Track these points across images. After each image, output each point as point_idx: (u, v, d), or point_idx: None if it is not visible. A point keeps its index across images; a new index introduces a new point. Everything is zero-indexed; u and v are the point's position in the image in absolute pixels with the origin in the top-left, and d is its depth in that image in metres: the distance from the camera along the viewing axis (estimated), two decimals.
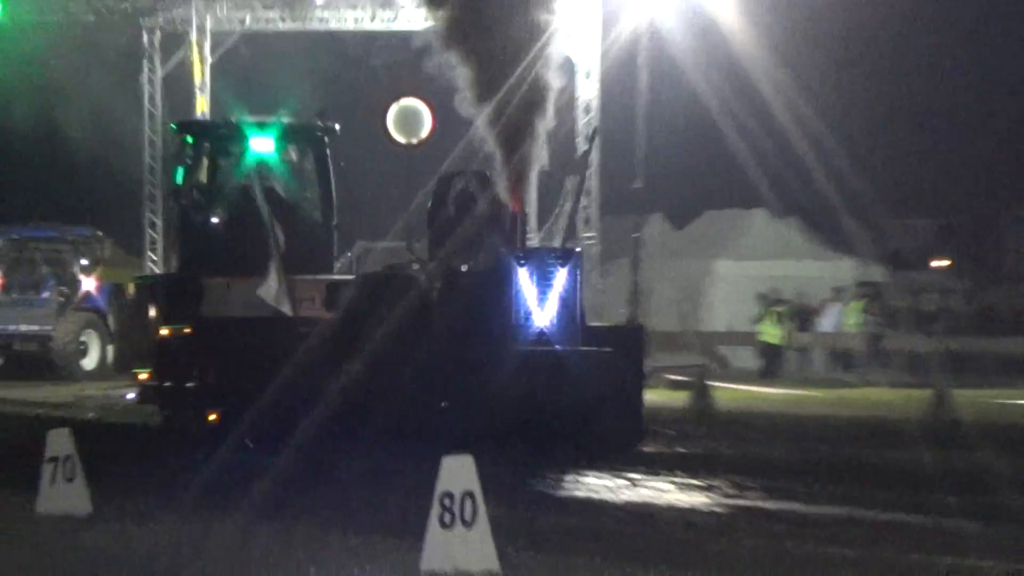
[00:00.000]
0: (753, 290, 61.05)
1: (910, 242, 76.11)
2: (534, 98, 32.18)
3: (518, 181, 32.06)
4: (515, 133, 32.20)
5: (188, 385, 34.62)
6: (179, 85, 53.40)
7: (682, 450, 31.33)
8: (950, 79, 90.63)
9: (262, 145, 36.73)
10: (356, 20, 52.39)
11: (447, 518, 15.85)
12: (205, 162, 37.27)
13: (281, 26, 53.60)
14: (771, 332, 59.34)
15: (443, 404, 30.29)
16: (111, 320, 57.40)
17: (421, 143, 37.71)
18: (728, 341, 65.98)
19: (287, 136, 37.38)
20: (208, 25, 52.33)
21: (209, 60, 52.76)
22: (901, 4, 77.25)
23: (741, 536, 20.63)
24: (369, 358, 30.64)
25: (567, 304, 30.74)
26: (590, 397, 30.17)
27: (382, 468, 26.63)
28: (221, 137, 37.65)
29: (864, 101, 79.00)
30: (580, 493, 25.38)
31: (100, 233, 59.58)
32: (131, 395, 40.13)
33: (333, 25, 53.06)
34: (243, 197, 36.41)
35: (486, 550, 16.00)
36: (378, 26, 52.37)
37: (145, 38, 53.58)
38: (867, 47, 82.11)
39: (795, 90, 55.31)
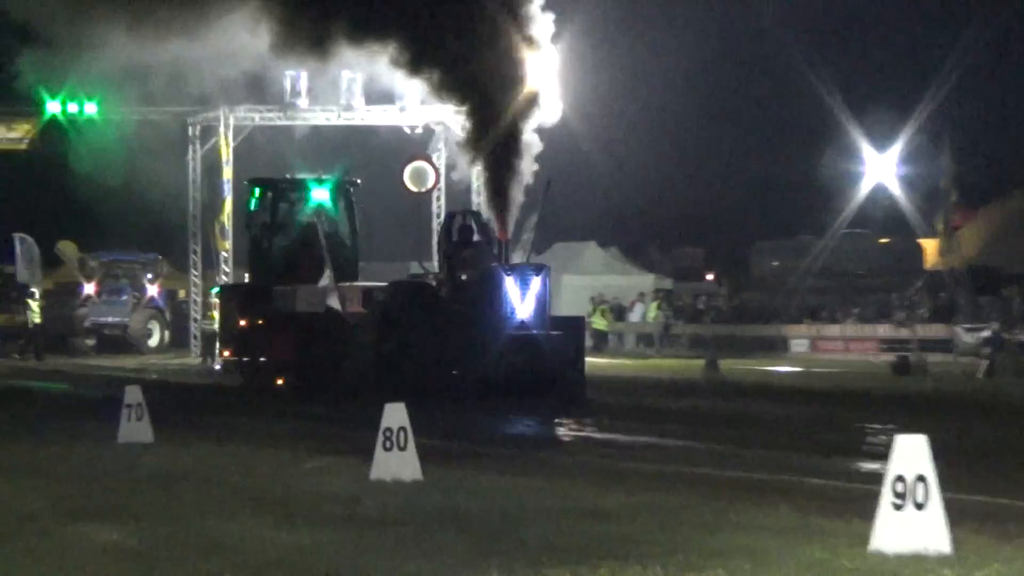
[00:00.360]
0: (587, 295, 62.08)
1: (689, 261, 77.95)
2: (513, 150, 32.70)
3: (503, 215, 32.77)
4: (499, 181, 33.04)
5: (261, 359, 35.54)
6: (212, 160, 54.04)
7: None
8: (715, 148, 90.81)
9: (319, 194, 37.29)
10: (327, 119, 52.57)
11: (388, 444, 16.04)
12: (269, 206, 37.48)
13: (278, 122, 53.31)
14: (599, 322, 60.20)
15: (454, 372, 30.69)
16: (167, 314, 61.17)
17: (428, 192, 37.70)
18: None
19: (333, 188, 37.51)
20: (231, 122, 52.90)
21: (232, 144, 53.04)
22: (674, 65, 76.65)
23: (576, 453, 20.98)
24: (400, 339, 31.40)
25: (540, 303, 31.08)
26: (555, 365, 30.81)
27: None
28: (282, 189, 38.00)
29: (653, 161, 78.48)
30: (506, 430, 26.32)
31: (160, 257, 63.29)
32: (217, 367, 41.32)
33: (314, 121, 53.04)
34: (295, 230, 36.93)
35: (414, 465, 15.97)
36: (343, 122, 52.45)
37: (190, 130, 54.37)
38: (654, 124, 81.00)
39: (621, 153, 55.56)
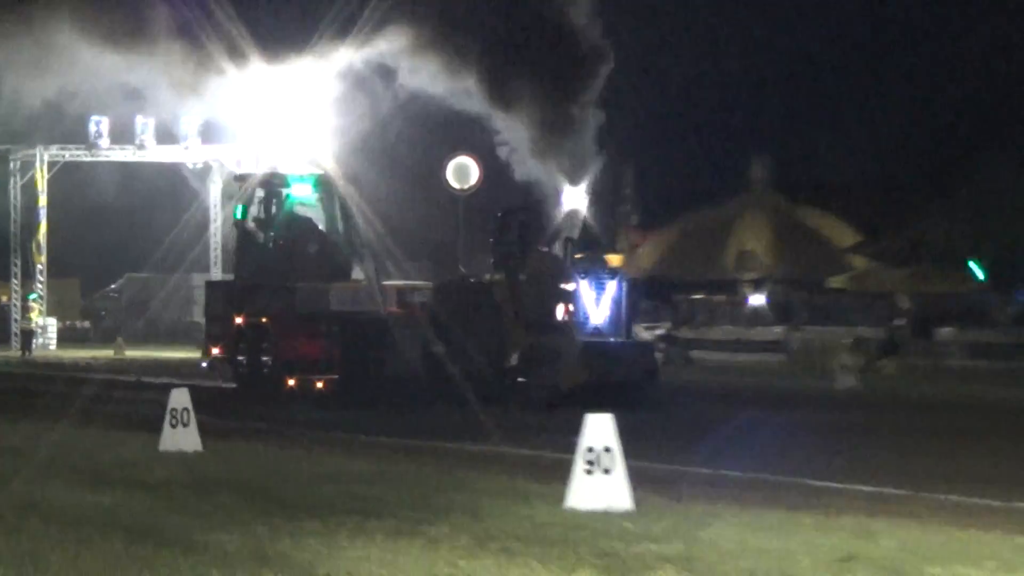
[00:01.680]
0: None
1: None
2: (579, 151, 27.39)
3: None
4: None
5: (264, 359, 29.02)
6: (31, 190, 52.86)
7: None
8: None
9: (302, 190, 30.88)
10: (124, 156, 51.63)
11: (173, 422, 15.47)
12: (261, 202, 31.07)
13: (85, 158, 52.63)
14: None
15: (520, 380, 24.76)
16: None
17: (470, 190, 29.97)
18: None
19: (319, 184, 30.88)
20: (46, 157, 52.08)
21: (46, 175, 51.88)
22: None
23: (332, 428, 20.55)
24: (450, 342, 25.55)
25: (616, 308, 25.38)
26: (633, 376, 24.85)
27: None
28: (271, 184, 30.95)
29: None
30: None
31: None
32: (204, 364, 33.13)
33: (114, 158, 52.18)
34: (287, 226, 30.60)
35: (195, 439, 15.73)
36: (137, 158, 52.00)
37: (11, 164, 52.87)
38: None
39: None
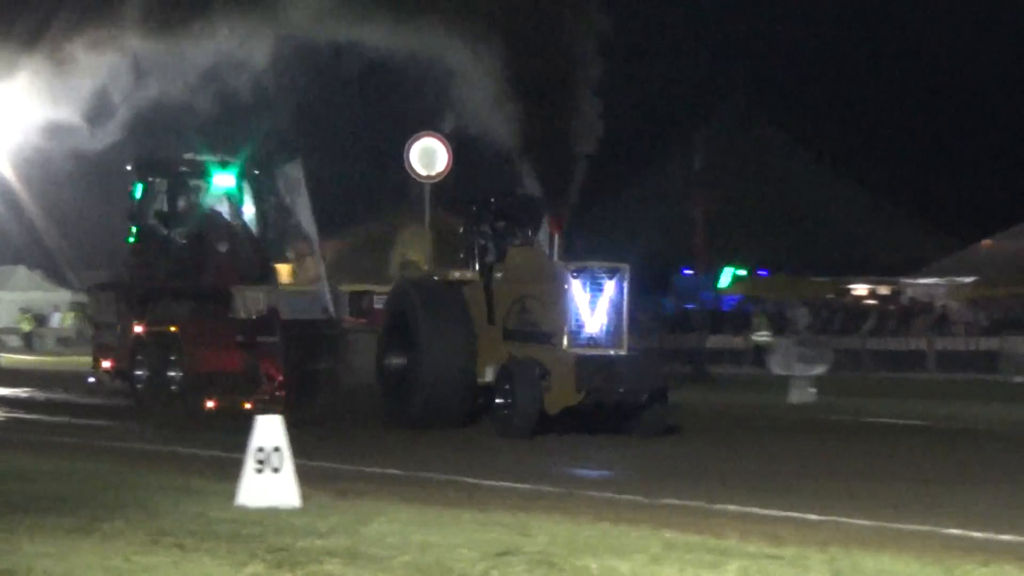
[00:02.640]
0: (17, 307, 63.58)
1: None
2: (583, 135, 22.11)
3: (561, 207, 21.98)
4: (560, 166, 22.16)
5: (171, 374, 24.78)
6: None
7: None
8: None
9: (223, 180, 26.62)
10: None
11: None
12: (165, 194, 26.65)
13: None
14: (26, 326, 61.63)
15: (498, 401, 20.00)
16: None
17: (436, 179, 25.11)
18: None
19: (240, 173, 26.72)
20: None
21: None
22: None
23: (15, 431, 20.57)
24: (410, 354, 21.10)
25: (616, 314, 20.24)
26: (636, 394, 19.92)
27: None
28: (178, 173, 26.77)
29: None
30: None
31: None
32: (92, 379, 28.33)
33: None
34: (195, 221, 26.40)
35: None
36: None
37: None
38: None
39: None
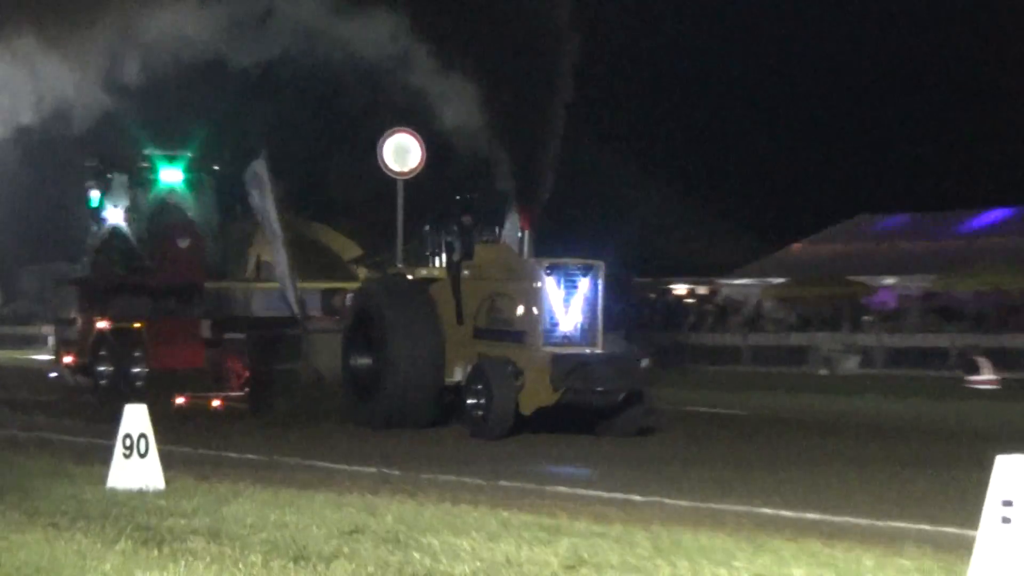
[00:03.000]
0: None
1: None
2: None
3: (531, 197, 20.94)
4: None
5: (136, 370, 24.85)
6: None
7: None
8: None
9: (171, 175, 26.37)
10: None
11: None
12: (124, 189, 26.39)
13: None
14: None
15: (471, 402, 19.21)
16: None
17: (411, 174, 23.95)
18: None
19: (187, 169, 26.57)
20: None
21: None
22: None
23: None
24: (376, 353, 20.42)
25: (591, 311, 19.42)
26: (613, 394, 19.19)
27: None
28: (135, 168, 26.58)
29: None
30: None
31: None
32: (54, 374, 27.88)
33: None
34: (148, 215, 26.25)
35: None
36: None
37: None
38: None
39: None
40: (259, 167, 23.30)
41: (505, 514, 11.15)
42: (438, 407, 20.13)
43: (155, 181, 26.09)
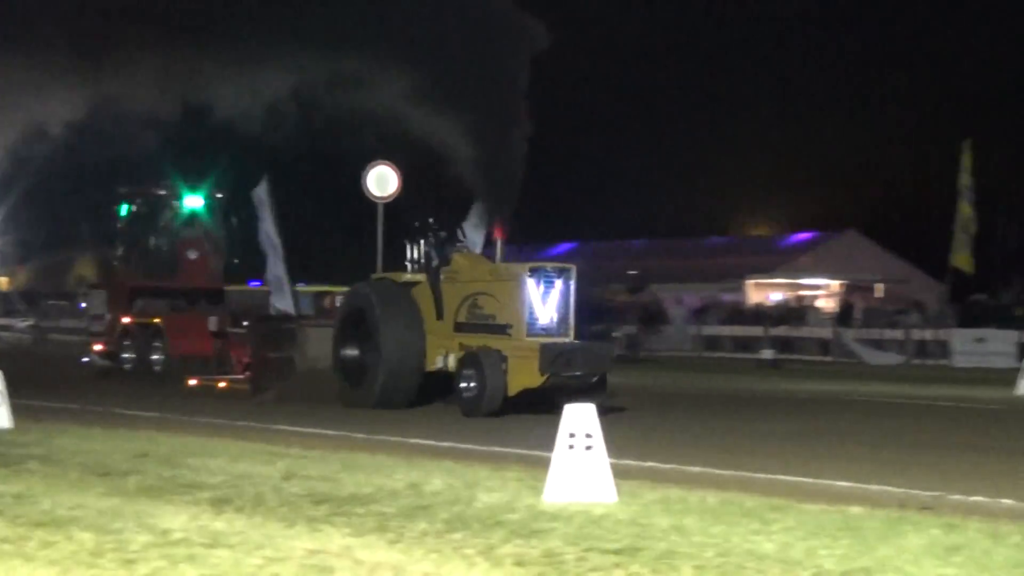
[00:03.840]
0: None
1: None
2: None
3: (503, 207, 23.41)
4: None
5: (154, 357, 29.39)
6: None
7: None
8: None
9: (192, 202, 31.31)
10: None
11: None
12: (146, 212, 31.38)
13: None
14: None
15: (462, 385, 21.68)
16: None
17: (389, 199, 26.63)
18: None
19: (206, 196, 31.44)
20: None
21: None
22: None
23: None
24: (363, 344, 23.20)
25: (564, 307, 21.83)
26: (585, 381, 21.34)
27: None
28: (155, 197, 31.62)
29: None
30: None
31: None
32: (86, 359, 32.02)
33: None
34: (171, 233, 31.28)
35: None
36: None
37: None
38: None
39: None
40: (260, 190, 27.63)
41: (244, 444, 15.68)
42: (419, 391, 22.68)
43: (180, 205, 30.83)
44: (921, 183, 59.77)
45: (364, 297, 23.23)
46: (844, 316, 49.55)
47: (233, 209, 31.39)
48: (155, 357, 29.05)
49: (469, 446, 16.73)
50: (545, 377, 20.67)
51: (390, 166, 26.59)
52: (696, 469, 14.60)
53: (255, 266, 30.65)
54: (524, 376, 20.89)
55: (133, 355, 29.74)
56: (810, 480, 13.83)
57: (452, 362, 21.92)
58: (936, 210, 50.06)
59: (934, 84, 63.84)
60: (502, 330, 21.61)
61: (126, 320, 29.97)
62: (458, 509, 10.62)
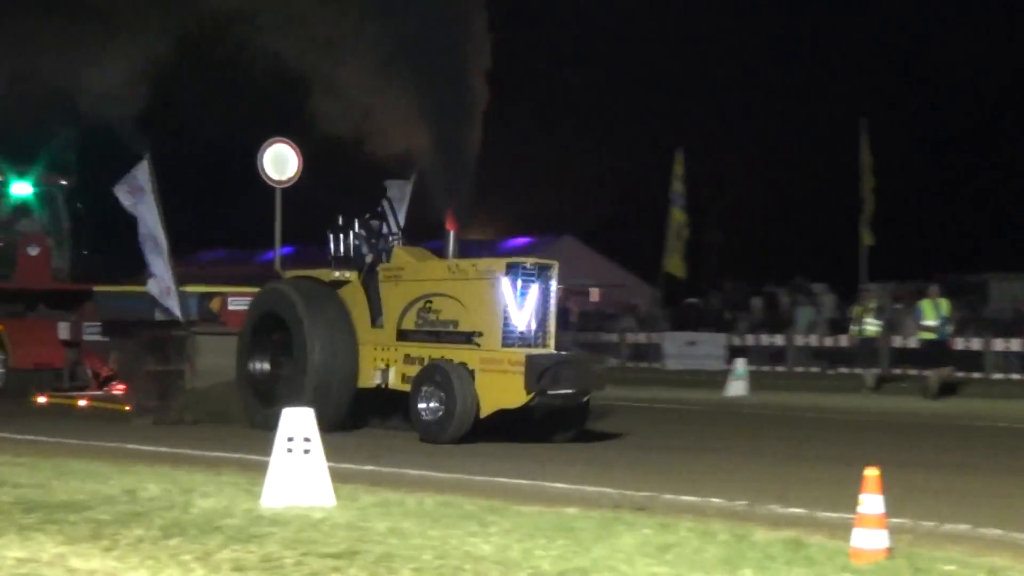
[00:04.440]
0: None
1: None
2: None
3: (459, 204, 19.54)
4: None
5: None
6: None
7: None
8: None
9: (20, 189, 26.61)
10: None
11: None
12: None
13: None
14: None
15: (423, 407, 18.14)
16: None
17: (288, 183, 23.41)
18: None
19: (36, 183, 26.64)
20: None
21: None
22: None
23: None
24: (277, 358, 19.93)
25: (543, 310, 18.36)
26: (573, 396, 18.13)
27: None
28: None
29: None
30: None
31: None
32: None
33: None
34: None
35: None
36: None
37: None
38: None
39: None
40: (140, 172, 22.27)
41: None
42: (350, 409, 19.28)
43: (6, 195, 26.67)
44: (635, 190, 61.68)
45: (281, 299, 19.49)
46: (561, 319, 50.34)
47: (76, 195, 27.14)
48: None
49: (186, 451, 16.74)
50: (530, 396, 17.23)
51: (289, 144, 23.87)
52: (415, 472, 14.63)
53: (125, 264, 26.13)
54: (502, 394, 17.42)
55: None
56: (528, 482, 13.97)
57: (394, 377, 18.73)
58: (650, 216, 51.46)
59: (648, 94, 65.81)
60: (466, 339, 18.11)
61: None
62: (174, 515, 10.53)
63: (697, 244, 52.27)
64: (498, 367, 17.46)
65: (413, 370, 18.28)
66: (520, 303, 17.94)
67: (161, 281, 21.60)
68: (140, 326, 22.12)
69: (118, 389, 22.75)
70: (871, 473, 9.26)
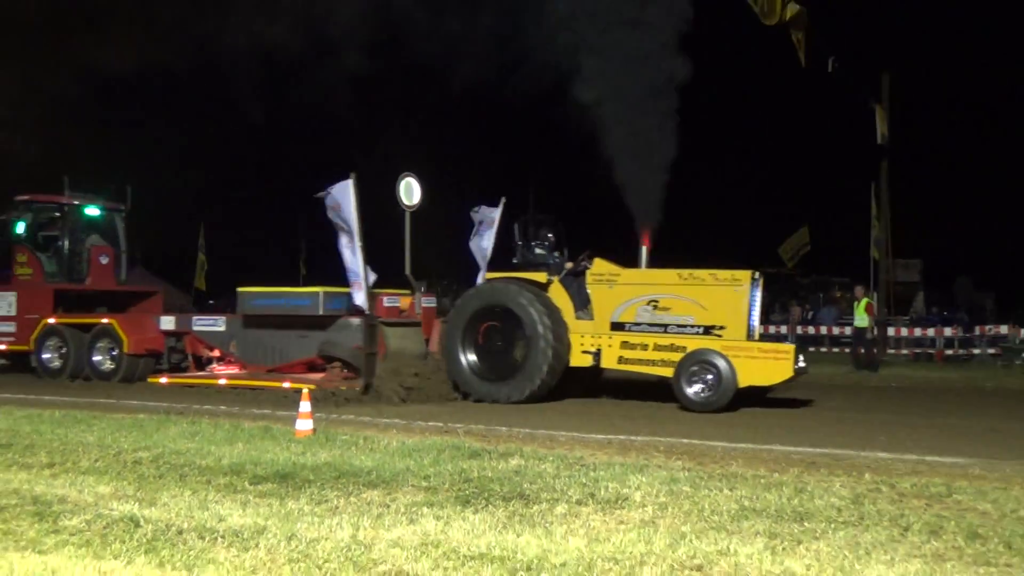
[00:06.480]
0: None
1: None
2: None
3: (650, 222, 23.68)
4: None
5: (95, 359, 28.02)
6: None
7: None
8: None
9: (91, 213, 31.08)
10: None
11: None
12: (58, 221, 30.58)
13: None
14: None
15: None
16: None
17: (416, 205, 26.40)
18: None
19: (102, 208, 31.18)
20: None
21: None
22: None
23: None
24: (529, 332, 22.63)
25: (759, 312, 22.43)
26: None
27: None
28: (59, 208, 30.79)
29: None
30: None
31: None
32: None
33: None
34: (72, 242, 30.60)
35: None
36: None
37: None
38: None
39: None
40: (349, 188, 25.49)
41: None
42: (556, 385, 22.48)
43: (83, 216, 31.18)
44: None
45: (509, 294, 22.75)
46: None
47: (130, 218, 31.94)
48: (97, 358, 28.40)
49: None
50: (792, 374, 20.89)
51: (414, 178, 27.04)
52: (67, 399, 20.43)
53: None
54: (770, 373, 20.88)
55: (55, 355, 29.12)
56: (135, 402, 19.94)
57: (608, 359, 22.04)
58: None
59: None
60: (705, 331, 21.61)
61: (51, 321, 29.12)
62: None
63: None
64: (761, 353, 20.93)
65: (633, 354, 21.78)
66: (754, 304, 21.65)
67: (356, 279, 24.25)
68: (365, 316, 24.24)
69: (219, 369, 26.59)
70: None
